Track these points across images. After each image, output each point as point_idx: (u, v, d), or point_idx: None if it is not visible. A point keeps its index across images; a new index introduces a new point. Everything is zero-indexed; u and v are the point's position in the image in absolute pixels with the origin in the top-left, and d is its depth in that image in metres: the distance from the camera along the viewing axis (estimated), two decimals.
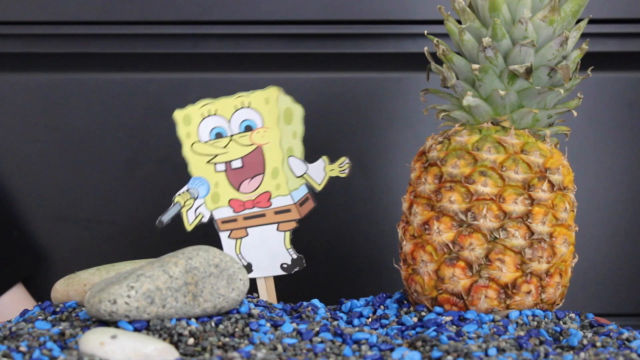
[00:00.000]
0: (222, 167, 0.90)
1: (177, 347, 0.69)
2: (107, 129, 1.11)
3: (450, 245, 0.79)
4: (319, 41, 1.11)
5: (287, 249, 0.90)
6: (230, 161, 0.90)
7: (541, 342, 0.74)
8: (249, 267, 0.90)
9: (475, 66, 0.81)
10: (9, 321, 0.78)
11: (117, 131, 1.11)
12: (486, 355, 0.68)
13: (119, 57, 1.11)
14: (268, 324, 0.75)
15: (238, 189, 0.90)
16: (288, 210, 0.90)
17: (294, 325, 0.75)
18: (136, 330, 0.69)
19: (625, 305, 1.13)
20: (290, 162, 0.90)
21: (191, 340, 0.69)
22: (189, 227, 0.89)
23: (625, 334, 0.76)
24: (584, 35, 0.86)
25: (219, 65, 1.12)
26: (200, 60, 1.12)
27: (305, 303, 0.85)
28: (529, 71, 0.80)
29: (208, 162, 0.90)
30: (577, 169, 0.86)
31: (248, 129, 0.90)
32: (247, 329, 0.73)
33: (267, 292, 0.90)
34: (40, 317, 0.76)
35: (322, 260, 1.11)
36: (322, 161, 0.90)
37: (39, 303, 0.81)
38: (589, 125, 1.11)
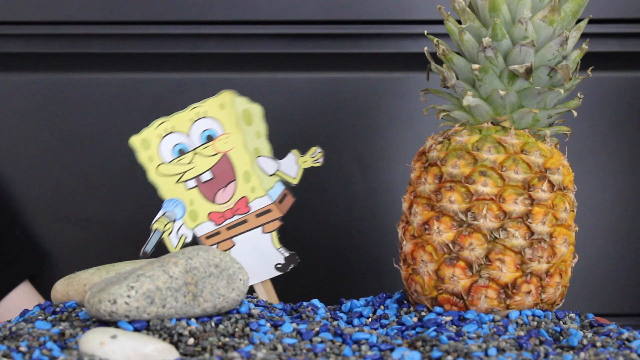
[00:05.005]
0: (192, 183, 0.88)
1: (177, 347, 0.69)
2: (107, 129, 1.11)
3: (450, 245, 0.79)
4: (319, 41, 1.11)
5: (278, 249, 0.89)
6: (199, 175, 0.88)
7: (541, 342, 0.74)
8: None
9: (475, 66, 0.81)
10: (9, 321, 0.78)
11: (117, 131, 1.11)
12: (486, 355, 0.68)
13: (119, 57, 1.11)
14: (268, 324, 0.75)
15: (214, 201, 0.88)
16: (269, 211, 0.89)
17: (294, 325, 0.75)
18: (136, 330, 0.69)
19: (625, 305, 1.13)
20: (260, 162, 0.88)
21: (191, 340, 0.69)
22: (173, 251, 0.87)
23: (625, 334, 0.76)
24: (584, 35, 0.86)
25: (219, 65, 1.12)
26: (200, 60, 1.12)
27: (305, 303, 0.85)
28: (529, 71, 0.80)
29: (177, 181, 0.88)
30: (577, 169, 0.86)
31: (209, 138, 0.88)
32: (247, 329, 0.73)
33: (267, 295, 0.89)
34: (40, 317, 0.76)
35: (322, 260, 1.11)
36: (293, 155, 0.89)
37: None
38: (589, 125, 1.11)
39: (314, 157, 0.88)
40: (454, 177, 0.80)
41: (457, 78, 0.83)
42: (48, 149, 1.12)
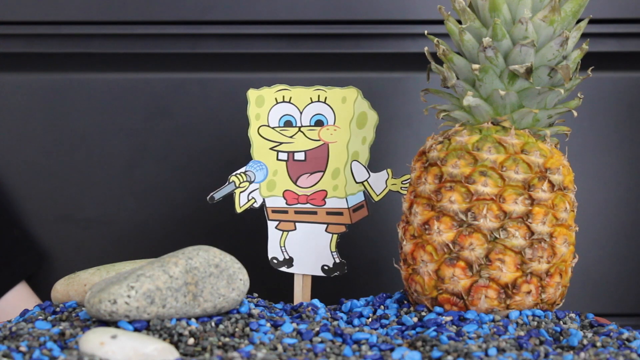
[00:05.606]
0: (284, 156, 0.89)
1: (177, 347, 0.69)
2: (107, 129, 1.11)
3: (451, 245, 0.79)
4: (319, 41, 1.11)
5: (332, 252, 0.89)
6: (294, 152, 0.89)
7: (541, 342, 0.74)
8: (289, 262, 0.89)
9: (476, 66, 0.81)
10: (9, 321, 0.78)
11: (117, 131, 1.11)
12: (486, 355, 0.68)
13: (119, 57, 1.11)
14: (268, 324, 0.75)
15: (295, 182, 0.89)
16: (340, 214, 0.89)
17: (294, 325, 0.75)
18: (136, 330, 0.69)
19: (625, 305, 1.13)
20: (352, 166, 0.89)
21: (191, 340, 0.69)
22: (239, 209, 0.89)
23: (625, 334, 0.76)
24: (584, 35, 0.86)
25: (219, 65, 1.12)
26: (200, 60, 1.12)
27: (305, 303, 0.85)
28: (529, 71, 0.80)
29: (272, 148, 0.89)
30: (577, 169, 0.86)
31: (318, 123, 0.89)
32: (247, 329, 0.73)
33: (302, 290, 0.89)
34: (40, 317, 0.76)
35: None
36: (386, 173, 0.89)
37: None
38: (589, 125, 1.11)
39: (405, 184, 0.88)
40: (454, 177, 0.80)
41: (457, 78, 0.83)
42: (48, 148, 1.12)
